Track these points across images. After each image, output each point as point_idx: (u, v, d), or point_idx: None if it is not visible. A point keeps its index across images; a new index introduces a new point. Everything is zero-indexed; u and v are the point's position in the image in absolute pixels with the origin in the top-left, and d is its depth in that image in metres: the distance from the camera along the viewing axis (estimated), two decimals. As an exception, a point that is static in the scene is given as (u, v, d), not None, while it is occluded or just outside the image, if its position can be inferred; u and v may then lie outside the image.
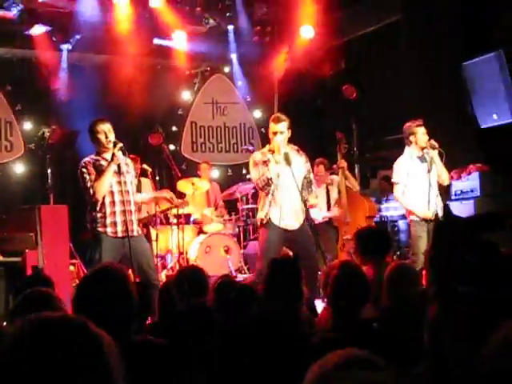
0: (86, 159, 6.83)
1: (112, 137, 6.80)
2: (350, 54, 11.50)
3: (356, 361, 1.36)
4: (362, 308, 3.81)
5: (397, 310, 3.79)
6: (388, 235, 6.16)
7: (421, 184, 7.55)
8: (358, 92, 10.59)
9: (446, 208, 1.96)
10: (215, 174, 12.30)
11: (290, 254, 6.84)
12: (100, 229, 6.64)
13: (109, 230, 6.64)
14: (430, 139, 7.57)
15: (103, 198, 6.63)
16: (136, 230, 6.81)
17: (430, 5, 9.54)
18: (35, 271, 6.94)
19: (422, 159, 7.65)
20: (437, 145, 7.49)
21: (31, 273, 7.17)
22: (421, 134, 7.63)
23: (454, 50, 9.31)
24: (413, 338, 2.79)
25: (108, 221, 6.64)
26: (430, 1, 9.64)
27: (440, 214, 7.32)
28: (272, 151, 7.04)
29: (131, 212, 6.77)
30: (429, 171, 7.52)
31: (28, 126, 11.19)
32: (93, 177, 6.63)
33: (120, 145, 6.72)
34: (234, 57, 12.47)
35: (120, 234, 6.66)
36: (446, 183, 7.80)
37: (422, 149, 7.64)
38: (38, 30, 10.50)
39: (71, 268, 8.85)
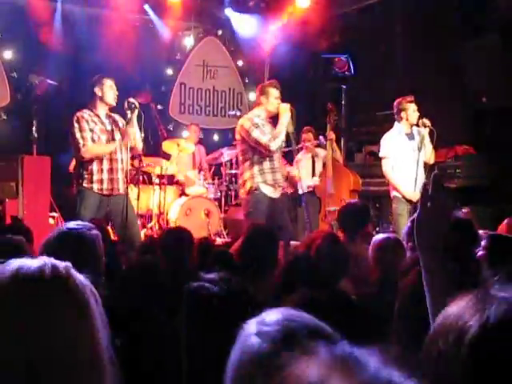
0: (80, 113, 6.79)
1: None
2: (345, 27, 11.41)
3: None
4: (342, 280, 3.84)
5: (387, 281, 3.83)
6: (368, 210, 6.15)
7: (407, 162, 7.55)
8: (350, 66, 10.54)
9: (435, 178, 1.93)
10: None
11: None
12: (86, 185, 6.64)
13: (95, 186, 6.64)
14: (421, 117, 7.56)
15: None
16: (122, 188, 6.81)
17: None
18: (14, 220, 6.91)
19: (410, 136, 7.64)
20: (429, 123, 7.48)
21: (10, 222, 7.14)
22: (412, 110, 7.62)
23: (451, 30, 9.28)
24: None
25: (95, 177, 6.64)
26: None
27: None
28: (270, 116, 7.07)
29: (117, 170, 6.77)
30: (419, 149, 7.51)
31: (16, 74, 11.04)
32: (84, 134, 6.61)
33: (137, 109, 6.73)
34: (228, 20, 12.36)
35: (105, 192, 6.67)
36: (431, 162, 7.80)
37: (412, 126, 7.64)
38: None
39: (51, 221, 8.82)
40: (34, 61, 10.87)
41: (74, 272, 1.49)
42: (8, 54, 10.99)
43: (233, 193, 10.81)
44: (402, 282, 2.25)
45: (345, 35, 11.34)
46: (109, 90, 6.90)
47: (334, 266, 3.81)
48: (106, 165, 6.68)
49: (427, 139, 7.52)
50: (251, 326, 1.41)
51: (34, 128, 9.56)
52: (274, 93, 7.08)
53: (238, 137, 7.11)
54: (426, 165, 7.63)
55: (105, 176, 6.67)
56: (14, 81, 11.03)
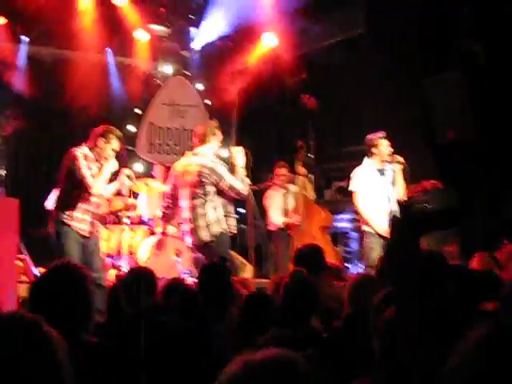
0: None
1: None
2: (311, 65, 11.54)
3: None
4: (311, 318, 3.83)
5: (359, 318, 3.82)
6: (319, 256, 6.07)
7: (379, 197, 7.59)
8: (317, 102, 10.65)
9: (404, 208, 1.97)
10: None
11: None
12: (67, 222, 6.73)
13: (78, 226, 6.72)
14: (394, 153, 7.64)
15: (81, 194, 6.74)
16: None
17: (392, 21, 9.64)
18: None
19: (382, 172, 7.70)
20: (402, 159, 7.57)
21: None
22: (384, 146, 7.68)
23: (415, 66, 9.43)
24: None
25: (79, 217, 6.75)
26: (392, 17, 9.74)
27: None
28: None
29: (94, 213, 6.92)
30: (393, 184, 7.59)
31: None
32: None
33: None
34: (195, 59, 12.43)
35: (87, 234, 6.78)
36: (403, 198, 7.85)
37: (383, 161, 7.70)
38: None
39: (19, 263, 8.70)
40: (1, 102, 10.83)
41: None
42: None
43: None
44: (377, 319, 2.24)
45: (311, 73, 11.46)
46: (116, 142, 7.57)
47: (303, 303, 3.80)
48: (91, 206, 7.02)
49: (400, 175, 7.60)
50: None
51: (1, 169, 9.49)
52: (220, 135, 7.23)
53: (196, 179, 7.09)
54: (398, 201, 7.70)
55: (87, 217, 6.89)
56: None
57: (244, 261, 9.86)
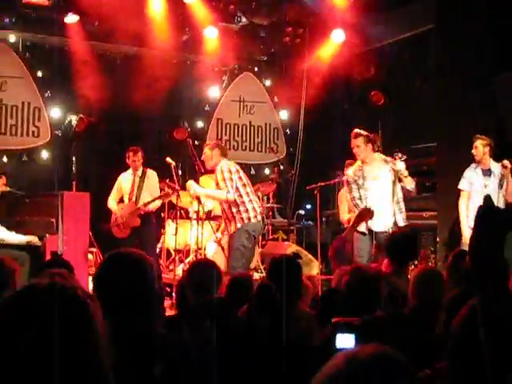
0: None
1: None
2: (380, 61, 11.45)
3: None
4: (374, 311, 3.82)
5: (424, 310, 3.80)
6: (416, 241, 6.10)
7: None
8: (386, 99, 10.57)
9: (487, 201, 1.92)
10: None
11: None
12: None
13: None
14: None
15: None
16: None
17: (464, 16, 9.46)
18: (54, 256, 6.97)
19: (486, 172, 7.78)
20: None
21: (50, 258, 7.22)
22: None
23: (484, 66, 9.23)
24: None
25: None
26: (465, 12, 9.55)
27: None
28: None
29: None
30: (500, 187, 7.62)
31: (56, 113, 11.27)
32: None
33: None
34: (264, 56, 12.48)
35: None
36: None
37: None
38: (71, 18, 10.58)
39: (89, 256, 8.91)
40: (73, 99, 11.08)
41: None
42: (48, 93, 11.21)
43: (270, 227, 10.82)
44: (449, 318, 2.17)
45: (380, 69, 11.37)
46: None
47: (363, 301, 3.79)
48: None
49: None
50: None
51: (73, 164, 9.70)
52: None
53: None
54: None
55: None
56: (54, 118, 11.24)
57: (311, 257, 9.86)
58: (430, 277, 4.14)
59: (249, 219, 7.61)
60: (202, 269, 4.38)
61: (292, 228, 10.69)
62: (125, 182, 9.58)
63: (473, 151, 7.84)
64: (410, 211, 9.42)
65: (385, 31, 11.08)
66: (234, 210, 7.67)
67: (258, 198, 10.57)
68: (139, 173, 9.50)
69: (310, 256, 9.93)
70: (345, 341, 2.27)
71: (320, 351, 3.01)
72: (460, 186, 7.98)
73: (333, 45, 11.52)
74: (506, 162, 7.58)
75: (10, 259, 6.62)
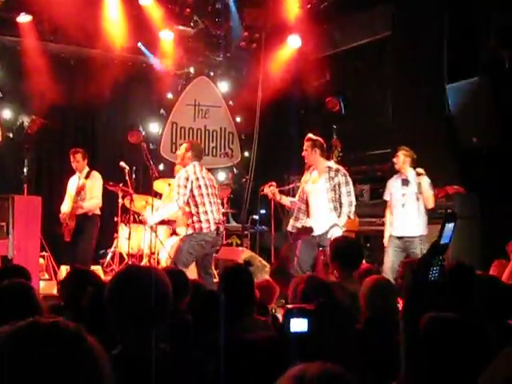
0: None
1: None
2: (335, 67, 11.51)
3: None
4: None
5: (376, 320, 3.81)
6: (359, 248, 6.13)
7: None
8: (341, 105, 10.62)
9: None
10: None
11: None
12: None
13: None
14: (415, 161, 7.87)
15: None
16: None
17: (419, 24, 9.58)
18: (5, 262, 6.85)
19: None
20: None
21: (2, 263, 7.10)
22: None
23: (439, 72, 9.36)
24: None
25: None
26: (419, 20, 9.67)
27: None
28: None
29: None
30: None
31: (8, 114, 11.06)
32: None
33: None
34: (219, 60, 12.46)
35: None
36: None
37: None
38: (24, 18, 10.42)
39: (41, 260, 8.77)
40: (26, 100, 10.90)
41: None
42: (0, 93, 11.02)
43: (224, 232, 10.77)
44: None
45: (335, 75, 11.44)
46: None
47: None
48: None
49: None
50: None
51: (24, 167, 9.54)
52: None
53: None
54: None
55: None
56: (6, 120, 11.04)
57: (265, 262, 9.86)
58: (384, 288, 4.15)
59: (200, 229, 7.55)
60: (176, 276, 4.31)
61: (246, 233, 10.67)
62: (71, 184, 9.49)
63: (394, 160, 8.09)
64: (362, 217, 9.52)
65: (341, 37, 11.16)
66: (188, 219, 7.64)
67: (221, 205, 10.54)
68: (83, 174, 9.40)
69: (263, 261, 9.92)
70: (298, 325, 2.33)
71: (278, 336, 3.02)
72: (384, 197, 8.36)
73: (289, 50, 11.56)
74: (419, 169, 7.87)
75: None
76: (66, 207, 9.42)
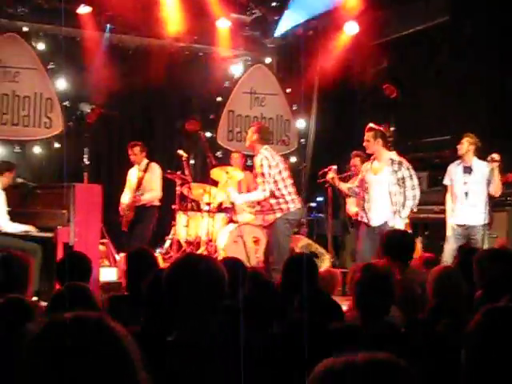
0: None
1: None
2: (393, 53, 11.39)
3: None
4: (388, 310, 3.79)
5: (443, 310, 3.79)
6: (413, 238, 6.08)
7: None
8: (399, 92, 10.51)
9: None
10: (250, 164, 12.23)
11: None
12: None
13: None
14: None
15: None
16: None
17: (479, 10, 9.40)
18: (70, 251, 6.98)
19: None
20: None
21: (64, 250, 7.27)
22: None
23: (495, 61, 9.18)
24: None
25: None
26: (480, 6, 9.48)
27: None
28: None
29: None
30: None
31: (68, 103, 11.26)
32: None
33: None
34: (276, 47, 12.46)
35: None
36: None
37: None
38: (84, 9, 10.59)
39: (101, 247, 8.93)
40: (86, 90, 11.07)
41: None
42: (61, 84, 11.22)
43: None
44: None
45: (393, 61, 11.31)
46: None
47: (377, 298, 3.76)
48: None
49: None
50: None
51: (85, 156, 9.72)
52: None
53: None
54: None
55: None
56: (67, 109, 11.24)
57: (323, 250, 9.87)
58: (451, 276, 4.12)
59: (288, 209, 7.70)
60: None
61: (303, 220, 10.66)
62: (131, 176, 9.76)
63: (458, 146, 7.91)
64: (420, 205, 9.41)
65: (398, 23, 11.03)
66: (273, 201, 7.73)
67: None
68: (141, 167, 9.66)
69: (320, 249, 9.93)
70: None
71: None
72: (444, 182, 8.21)
73: (345, 37, 11.47)
74: (494, 155, 7.63)
75: (23, 252, 6.68)
76: (126, 198, 9.64)
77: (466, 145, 7.86)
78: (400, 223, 7.36)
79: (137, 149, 9.68)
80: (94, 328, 1.48)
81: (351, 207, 9.25)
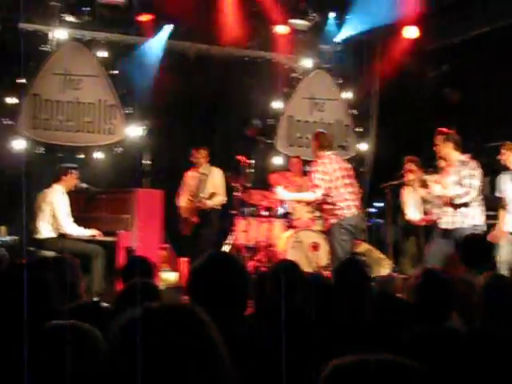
0: None
1: None
2: (454, 57, 11.26)
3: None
4: (448, 316, 3.75)
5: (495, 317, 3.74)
6: (488, 248, 5.98)
7: None
8: (459, 97, 10.39)
9: None
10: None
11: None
12: None
13: None
14: None
15: None
16: None
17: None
18: (133, 255, 7.10)
19: None
20: None
21: (125, 254, 7.40)
22: None
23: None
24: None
25: None
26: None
27: None
28: None
29: None
30: None
31: (131, 110, 11.40)
32: None
33: None
34: (335, 53, 12.43)
35: None
36: None
37: None
38: (145, 17, 10.78)
39: (163, 252, 9.05)
40: (146, 96, 11.22)
41: None
42: (123, 91, 11.38)
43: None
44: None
45: (453, 65, 11.19)
46: None
47: (438, 302, 3.73)
48: None
49: None
50: None
51: (146, 161, 9.86)
52: None
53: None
54: None
55: None
56: (129, 116, 11.39)
57: (383, 256, 9.80)
58: (501, 284, 4.04)
59: (343, 215, 7.73)
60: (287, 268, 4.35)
61: (363, 226, 10.60)
62: (190, 179, 9.87)
63: (499, 157, 7.98)
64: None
65: (459, 27, 10.90)
66: (328, 207, 7.80)
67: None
68: (203, 170, 9.78)
69: (380, 255, 9.87)
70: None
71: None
72: (495, 193, 8.26)
73: (405, 41, 11.38)
74: None
75: (87, 255, 6.83)
76: (184, 202, 9.76)
77: (508, 153, 7.85)
78: (469, 227, 7.23)
79: (204, 152, 9.88)
80: (186, 316, 1.53)
81: (413, 213, 9.20)
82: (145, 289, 3.68)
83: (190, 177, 10.01)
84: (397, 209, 10.07)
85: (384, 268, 9.52)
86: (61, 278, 4.12)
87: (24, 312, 2.47)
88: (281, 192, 8.44)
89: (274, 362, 2.66)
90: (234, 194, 10.13)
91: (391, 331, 3.50)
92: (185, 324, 1.49)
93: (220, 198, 9.84)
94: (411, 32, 11.19)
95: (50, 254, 7.88)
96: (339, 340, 3.36)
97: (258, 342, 2.77)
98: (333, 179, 7.73)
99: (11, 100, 10.59)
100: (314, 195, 7.77)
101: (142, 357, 1.43)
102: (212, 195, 9.77)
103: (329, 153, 7.91)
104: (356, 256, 7.86)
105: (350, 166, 8.30)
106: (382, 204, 10.69)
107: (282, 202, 10.06)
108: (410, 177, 9.20)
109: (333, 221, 7.78)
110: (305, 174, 10.76)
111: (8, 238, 9.10)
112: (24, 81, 10.59)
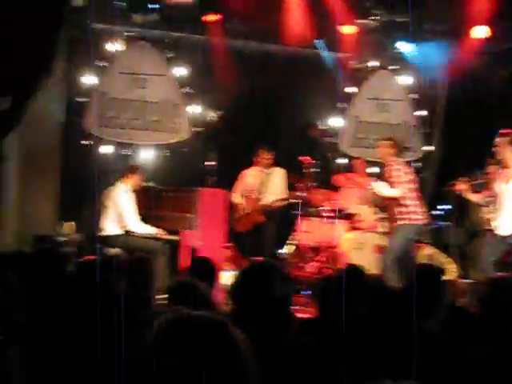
0: None
1: None
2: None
3: None
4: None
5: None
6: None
7: None
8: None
9: None
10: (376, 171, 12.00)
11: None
12: None
13: None
14: None
15: None
16: None
17: None
18: (196, 255, 7.15)
19: None
20: None
21: (188, 253, 7.45)
22: None
23: None
24: None
25: None
26: None
27: None
28: None
29: None
30: None
31: (196, 109, 11.47)
32: None
33: None
34: (401, 53, 12.27)
35: None
36: None
37: None
38: (211, 17, 10.83)
39: (227, 252, 9.07)
40: (211, 95, 11.29)
41: None
42: (188, 89, 11.44)
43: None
44: None
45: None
46: None
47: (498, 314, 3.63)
48: None
49: None
50: None
51: (210, 161, 9.91)
52: None
53: None
54: None
55: None
56: (192, 115, 11.46)
57: (449, 260, 9.62)
58: None
59: (415, 219, 8.00)
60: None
61: (428, 230, 10.44)
62: (250, 177, 9.87)
63: None
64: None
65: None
66: (398, 209, 7.94)
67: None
68: (268, 170, 9.80)
69: (446, 258, 9.70)
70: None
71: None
72: None
73: (474, 40, 11.17)
74: None
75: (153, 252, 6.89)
76: (238, 198, 9.79)
77: None
78: None
79: (270, 155, 9.96)
80: (217, 330, 1.52)
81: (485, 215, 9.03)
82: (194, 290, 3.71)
83: (251, 175, 10.00)
84: (463, 211, 9.90)
85: (449, 273, 9.35)
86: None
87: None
88: (377, 186, 8.49)
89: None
90: (297, 194, 10.11)
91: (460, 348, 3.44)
92: (211, 337, 1.50)
93: (282, 198, 9.85)
94: (480, 31, 10.96)
95: (114, 250, 8.01)
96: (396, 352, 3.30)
97: (297, 354, 2.76)
98: (407, 181, 7.85)
99: (80, 98, 10.75)
100: (398, 192, 7.97)
101: (166, 361, 1.45)
102: (274, 194, 9.77)
103: (399, 159, 8.09)
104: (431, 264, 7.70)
105: (413, 170, 8.36)
106: (447, 206, 10.52)
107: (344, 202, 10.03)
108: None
109: (400, 222, 7.80)
110: (368, 175, 10.66)
111: (76, 235, 9.29)
112: (95, 79, 10.75)
